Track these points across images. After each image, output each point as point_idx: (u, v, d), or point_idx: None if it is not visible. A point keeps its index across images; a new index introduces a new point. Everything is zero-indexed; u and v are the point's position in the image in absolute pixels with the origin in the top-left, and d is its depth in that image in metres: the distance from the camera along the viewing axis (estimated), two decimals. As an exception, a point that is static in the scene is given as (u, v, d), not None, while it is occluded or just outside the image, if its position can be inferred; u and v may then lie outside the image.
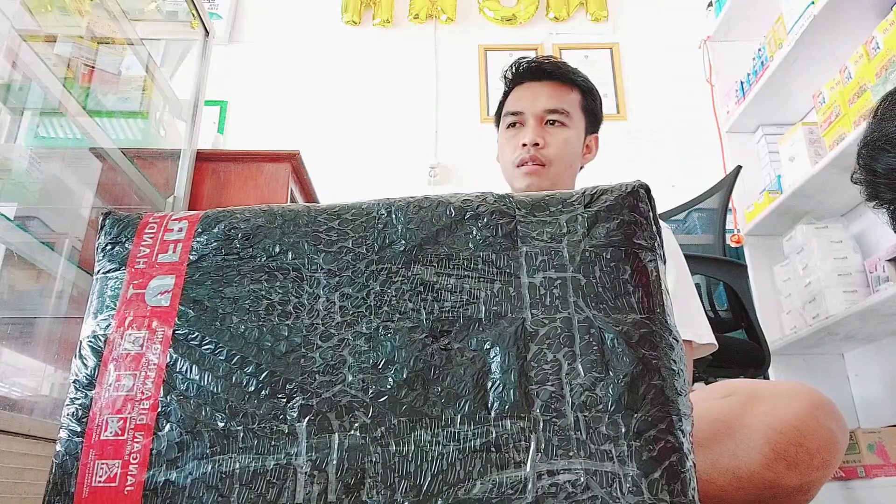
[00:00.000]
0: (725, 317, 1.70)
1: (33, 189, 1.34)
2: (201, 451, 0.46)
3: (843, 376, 2.11)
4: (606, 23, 3.12)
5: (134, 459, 0.46)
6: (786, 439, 0.71)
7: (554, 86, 1.13)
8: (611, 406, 0.45)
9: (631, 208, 0.51)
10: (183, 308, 0.51)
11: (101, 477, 0.46)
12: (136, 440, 0.47)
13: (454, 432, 0.45)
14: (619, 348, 0.47)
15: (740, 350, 1.58)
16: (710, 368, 1.52)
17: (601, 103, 1.19)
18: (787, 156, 2.06)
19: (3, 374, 1.21)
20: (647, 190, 0.53)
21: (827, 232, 1.92)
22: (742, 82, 2.34)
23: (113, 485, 0.45)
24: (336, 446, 0.46)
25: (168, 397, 0.48)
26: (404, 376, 0.47)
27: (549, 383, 0.46)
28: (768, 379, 1.67)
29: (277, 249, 0.53)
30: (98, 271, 0.54)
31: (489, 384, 0.47)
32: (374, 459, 0.45)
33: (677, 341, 0.49)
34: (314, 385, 0.48)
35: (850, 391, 2.08)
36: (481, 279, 0.50)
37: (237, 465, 0.45)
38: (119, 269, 0.53)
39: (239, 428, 0.46)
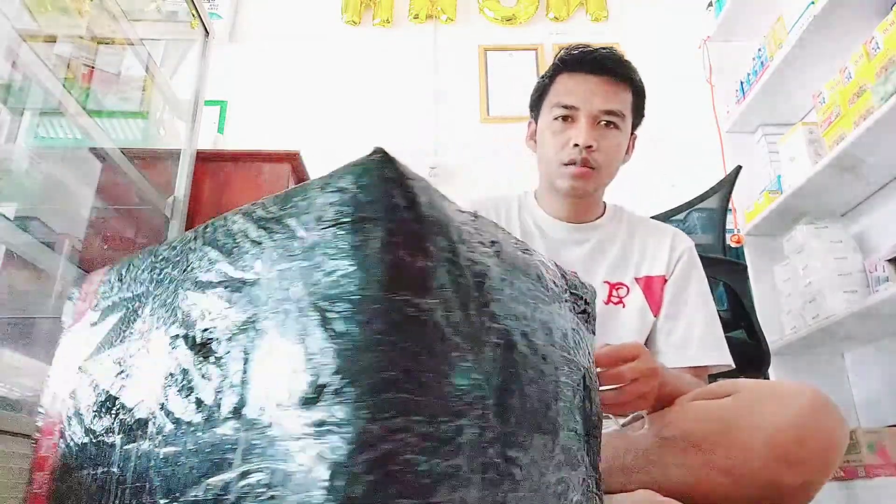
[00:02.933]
0: (725, 317, 1.70)
1: (33, 189, 1.34)
2: None
3: (843, 376, 2.10)
4: (606, 23, 3.11)
5: None
6: (786, 439, 0.71)
7: (611, 83, 1.06)
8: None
9: None
10: None
11: None
12: None
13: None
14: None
15: (740, 350, 1.58)
16: (710, 368, 1.52)
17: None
18: (787, 156, 2.06)
19: (3, 374, 1.21)
20: None
21: (827, 232, 1.92)
22: (742, 82, 2.34)
23: None
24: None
25: None
26: None
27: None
28: (768, 379, 1.67)
29: None
30: None
31: None
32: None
33: None
34: None
35: (850, 391, 2.08)
36: None
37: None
38: None
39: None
